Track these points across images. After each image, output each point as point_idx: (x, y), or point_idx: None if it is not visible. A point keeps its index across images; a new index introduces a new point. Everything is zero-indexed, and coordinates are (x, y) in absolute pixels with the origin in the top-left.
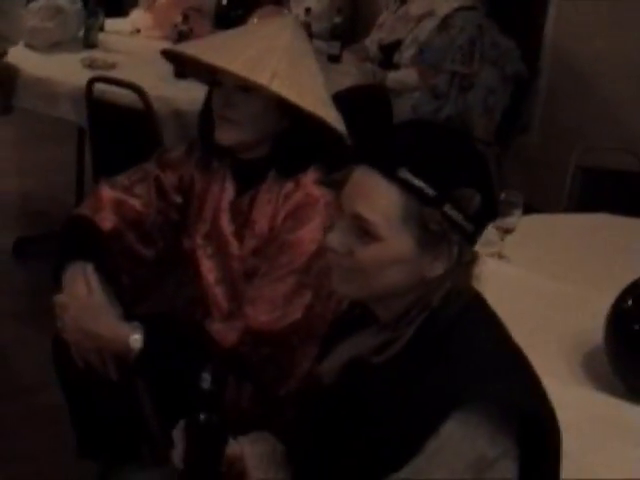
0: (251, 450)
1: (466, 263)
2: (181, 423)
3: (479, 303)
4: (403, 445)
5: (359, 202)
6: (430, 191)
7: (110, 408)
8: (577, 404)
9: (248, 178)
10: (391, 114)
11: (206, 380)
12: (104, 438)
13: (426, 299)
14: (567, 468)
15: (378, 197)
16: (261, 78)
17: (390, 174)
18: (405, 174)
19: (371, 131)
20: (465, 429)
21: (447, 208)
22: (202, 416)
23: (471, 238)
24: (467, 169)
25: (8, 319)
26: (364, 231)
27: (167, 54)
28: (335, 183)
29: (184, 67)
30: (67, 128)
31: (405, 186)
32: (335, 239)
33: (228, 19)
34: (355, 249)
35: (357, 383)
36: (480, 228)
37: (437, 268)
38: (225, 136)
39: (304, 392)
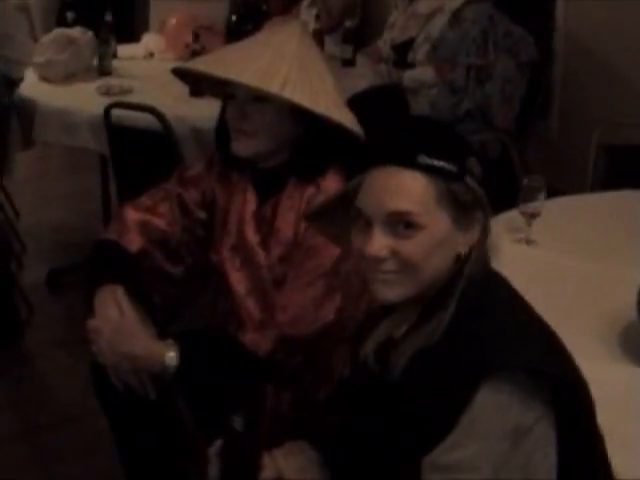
0: (286, 464)
1: (489, 228)
2: (217, 442)
3: (499, 277)
4: (439, 423)
5: (392, 199)
6: (452, 167)
7: (154, 431)
8: (616, 381)
9: (269, 187)
10: (409, 113)
11: (237, 421)
12: (151, 463)
13: (460, 273)
14: (612, 446)
15: (409, 188)
16: (272, 87)
17: (412, 164)
18: (424, 159)
19: (376, 131)
20: (497, 398)
21: (468, 179)
22: (234, 450)
23: (485, 203)
24: (462, 139)
25: (47, 349)
26: (405, 225)
27: (178, 73)
28: (345, 196)
29: (197, 84)
30: (91, 157)
31: (429, 170)
32: (373, 246)
33: (239, 34)
34: (399, 248)
35: (390, 362)
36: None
37: (469, 241)
38: (242, 148)
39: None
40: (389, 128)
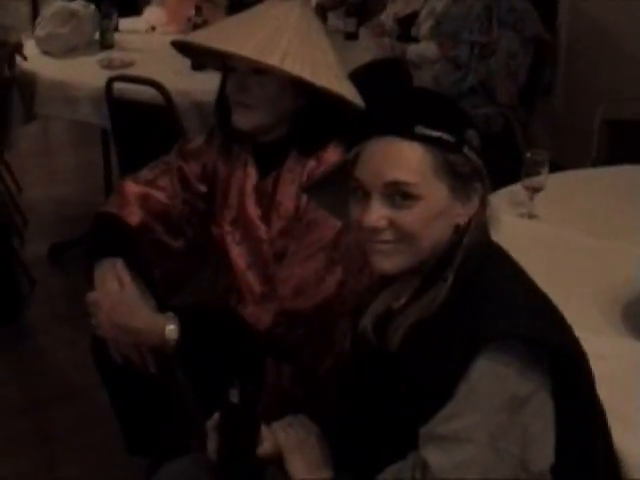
0: (285, 437)
1: (488, 201)
2: (215, 415)
3: (498, 248)
4: (436, 393)
5: (390, 169)
6: (449, 138)
7: (154, 402)
8: (618, 355)
9: (270, 160)
10: (412, 86)
11: (234, 395)
12: (152, 434)
13: (459, 244)
14: (614, 420)
15: (407, 158)
16: (272, 59)
17: (409, 134)
18: (422, 130)
19: (374, 102)
20: (495, 368)
21: (466, 150)
22: (233, 423)
23: (484, 174)
24: (461, 111)
25: (49, 324)
26: (402, 196)
27: (178, 45)
28: (343, 167)
29: (198, 58)
30: (92, 131)
31: (426, 140)
32: (371, 217)
33: (242, 7)
34: (396, 218)
35: (388, 334)
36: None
37: (467, 212)
38: (242, 120)
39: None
40: (387, 99)
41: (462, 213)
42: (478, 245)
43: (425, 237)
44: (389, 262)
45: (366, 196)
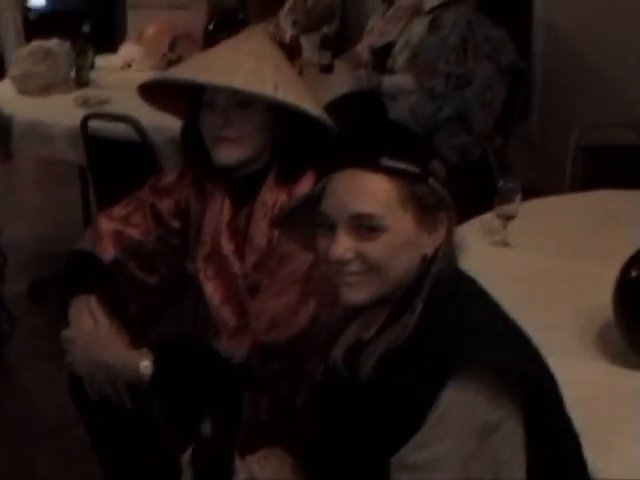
0: (260, 470)
1: (454, 228)
2: (189, 449)
3: (466, 276)
4: (407, 422)
5: (355, 202)
6: (414, 169)
7: (133, 438)
8: (593, 379)
9: (243, 195)
10: (386, 117)
11: (206, 428)
12: (133, 470)
13: (427, 273)
14: (589, 444)
15: (372, 190)
16: (266, 90)
17: (375, 166)
18: (387, 162)
19: (339, 135)
20: (464, 396)
21: (431, 181)
22: (206, 455)
23: (449, 204)
24: (426, 143)
25: (29, 361)
26: (368, 228)
27: (148, 87)
28: (309, 201)
29: (159, 102)
30: (71, 168)
31: (391, 172)
32: (337, 249)
33: (216, 43)
34: (363, 250)
35: (359, 365)
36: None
37: (435, 241)
38: (227, 155)
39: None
40: (353, 132)
41: (429, 243)
42: (446, 274)
43: (392, 268)
44: (357, 294)
45: (332, 229)
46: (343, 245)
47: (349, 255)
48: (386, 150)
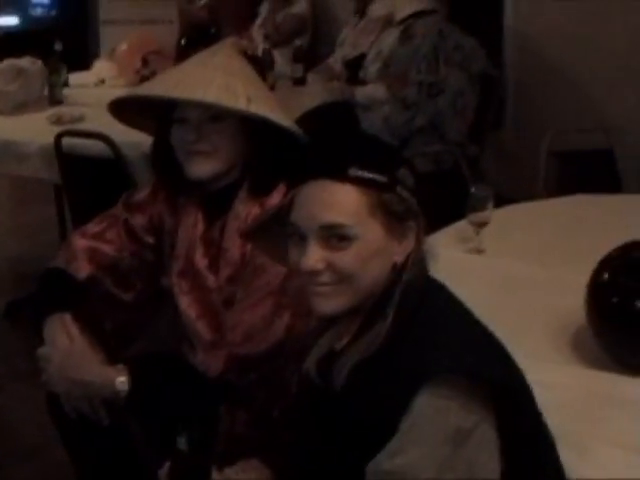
0: None
1: (423, 236)
2: (167, 465)
3: (437, 283)
4: (381, 429)
5: (324, 212)
6: (382, 178)
7: (110, 454)
8: (569, 384)
9: (216, 209)
10: (359, 129)
11: (182, 442)
12: None
13: (398, 281)
14: (565, 447)
15: (341, 200)
16: (239, 104)
17: (343, 176)
18: (355, 172)
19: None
20: (436, 403)
21: (399, 189)
22: (182, 469)
23: (418, 212)
24: (393, 151)
25: (6, 381)
26: (338, 238)
27: (118, 105)
28: (279, 213)
29: (128, 119)
30: (46, 187)
31: (360, 182)
32: (308, 260)
33: (189, 57)
34: (334, 260)
35: (332, 374)
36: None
37: (404, 250)
38: (200, 169)
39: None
40: (321, 142)
41: (399, 251)
42: (417, 281)
43: (364, 277)
44: (329, 304)
45: (303, 240)
46: (314, 256)
47: (320, 266)
48: (354, 160)
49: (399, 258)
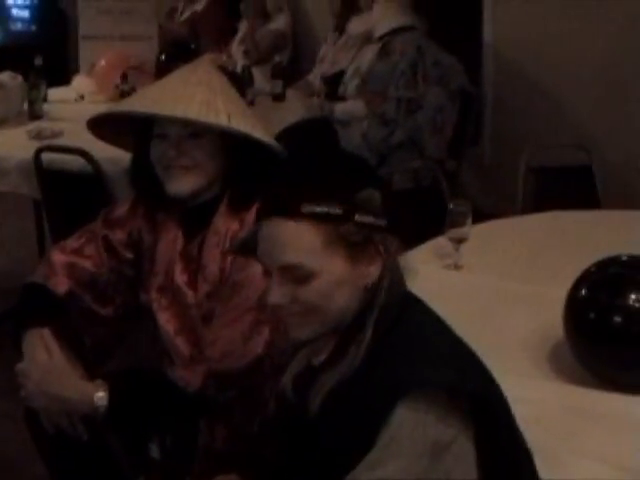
0: None
1: (395, 253)
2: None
3: (415, 298)
4: (360, 443)
5: (280, 253)
6: (336, 210)
7: (89, 469)
8: (546, 398)
9: (196, 225)
10: (337, 145)
11: (153, 450)
12: None
13: (373, 301)
14: (542, 461)
15: (294, 240)
16: (220, 120)
17: (297, 214)
18: (307, 208)
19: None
20: (414, 416)
21: (358, 217)
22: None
23: (389, 229)
24: (352, 173)
25: None
26: (297, 276)
27: (96, 122)
28: (248, 245)
29: (107, 136)
30: (25, 202)
31: (313, 217)
32: (275, 295)
33: (169, 73)
34: (298, 294)
35: (309, 391)
36: (391, 217)
37: (374, 271)
38: (182, 186)
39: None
40: (274, 181)
41: (368, 274)
42: (393, 299)
43: (331, 307)
44: (301, 332)
45: (269, 273)
46: (277, 292)
47: (284, 300)
48: (306, 196)
49: (370, 280)
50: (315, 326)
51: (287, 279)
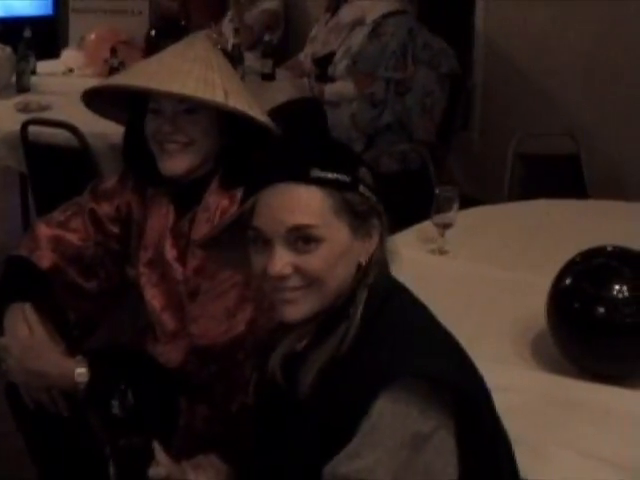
0: (194, 477)
1: (386, 237)
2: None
3: (399, 285)
4: (339, 433)
5: (291, 215)
6: (345, 178)
7: (71, 445)
8: (528, 387)
9: (186, 201)
10: (326, 125)
11: (115, 406)
12: (69, 477)
13: (363, 280)
14: (523, 451)
15: (306, 202)
16: (217, 97)
17: (306, 178)
18: (317, 173)
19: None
20: (395, 407)
21: (361, 188)
22: (122, 441)
23: (381, 210)
24: (351, 151)
25: None
26: (305, 240)
27: (92, 93)
28: (240, 219)
29: (102, 109)
30: (10, 175)
31: (323, 183)
32: (276, 265)
33: (158, 49)
34: (301, 263)
35: (293, 375)
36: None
37: (368, 250)
38: (176, 165)
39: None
40: (280, 146)
41: (363, 251)
42: (380, 282)
43: (331, 279)
44: (298, 310)
45: (268, 244)
46: (281, 260)
47: (287, 270)
48: (315, 161)
49: (363, 258)
50: (313, 303)
51: (291, 247)
